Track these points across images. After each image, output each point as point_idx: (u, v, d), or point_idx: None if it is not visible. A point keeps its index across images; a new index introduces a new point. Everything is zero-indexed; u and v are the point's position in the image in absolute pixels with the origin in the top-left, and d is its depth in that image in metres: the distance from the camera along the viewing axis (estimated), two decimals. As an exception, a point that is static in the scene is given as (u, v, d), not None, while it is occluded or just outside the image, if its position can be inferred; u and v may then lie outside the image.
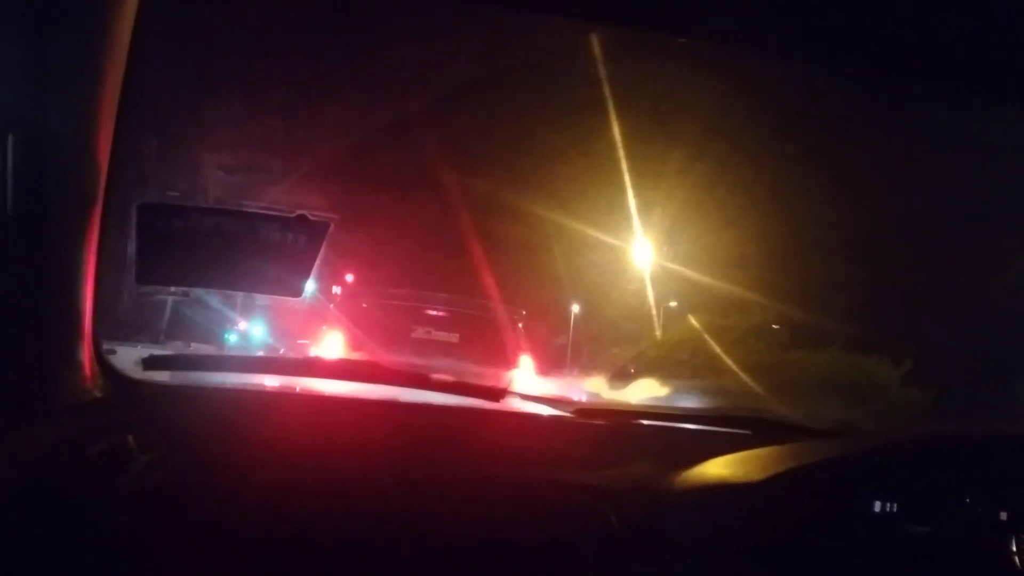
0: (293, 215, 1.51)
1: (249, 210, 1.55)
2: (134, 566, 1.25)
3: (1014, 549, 1.22)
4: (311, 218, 1.50)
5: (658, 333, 14.65)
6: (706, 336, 13.66)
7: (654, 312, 14.54)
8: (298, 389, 1.91)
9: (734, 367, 12.45)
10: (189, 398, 1.61)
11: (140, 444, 1.37)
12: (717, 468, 1.36)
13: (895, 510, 1.25)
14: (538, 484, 1.50)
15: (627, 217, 12.20)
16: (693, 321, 14.15)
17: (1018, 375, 13.47)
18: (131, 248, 1.49)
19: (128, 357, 1.59)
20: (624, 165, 10.28)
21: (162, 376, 1.68)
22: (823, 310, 13.16)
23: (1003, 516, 1.24)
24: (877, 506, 1.25)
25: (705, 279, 13.32)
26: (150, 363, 1.56)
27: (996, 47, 1.16)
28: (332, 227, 1.51)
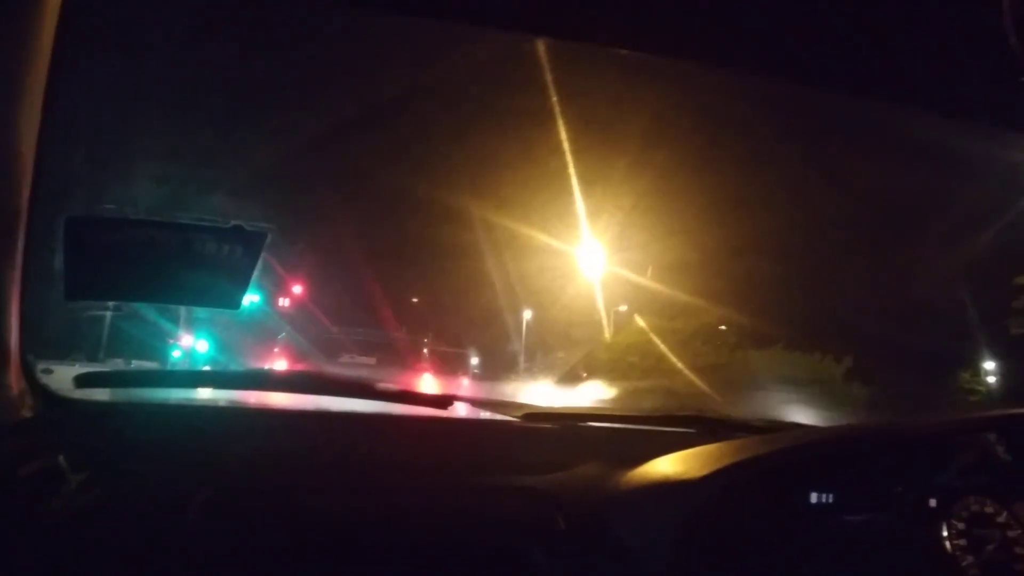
0: (228, 226, 1.48)
1: (183, 221, 1.50)
2: None
3: (944, 534, 1.27)
4: (247, 228, 1.47)
5: (608, 337, 14.80)
6: (655, 339, 13.86)
7: (604, 316, 14.70)
8: (242, 402, 1.87)
9: (682, 368, 12.66)
10: (125, 415, 1.56)
11: (72, 463, 1.32)
12: (661, 467, 1.38)
13: (831, 501, 1.28)
14: (486, 489, 1.50)
15: (577, 223, 12.34)
16: (642, 324, 14.34)
17: (950, 368, 14.08)
18: (59, 262, 1.44)
19: (65, 376, 1.53)
20: (573, 172, 10.38)
21: (100, 394, 1.63)
22: (766, 311, 13.53)
23: (932, 503, 1.29)
24: (814, 497, 1.29)
25: (653, 284, 13.54)
26: (82, 381, 1.51)
27: (916, 56, 1.22)
28: (269, 238, 1.48)
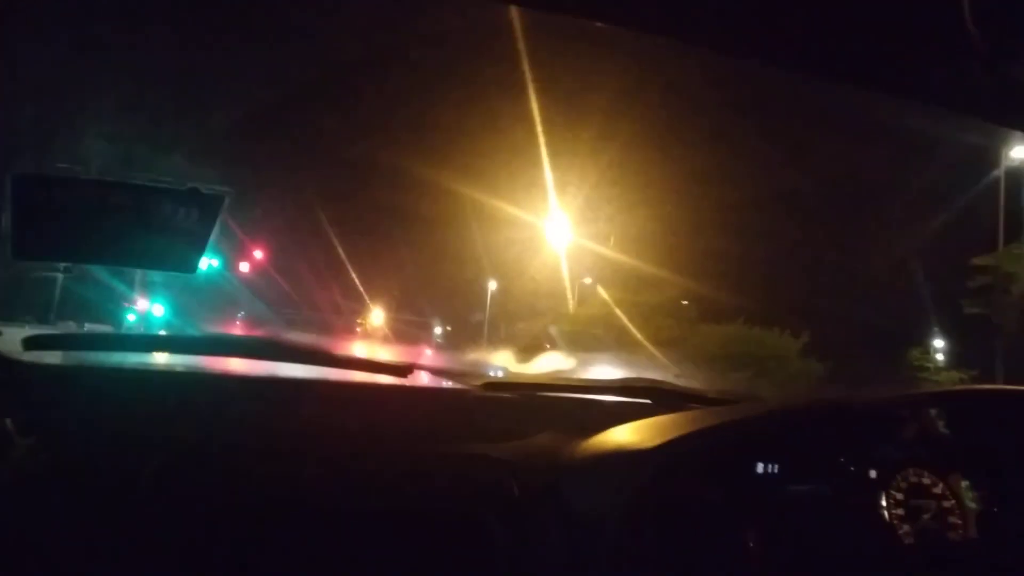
0: (185, 188, 1.45)
1: (137, 182, 1.46)
2: (19, 555, 1.20)
3: (884, 504, 1.33)
4: (204, 191, 1.44)
5: (572, 309, 14.91)
6: (618, 311, 14.01)
7: (568, 288, 14.79)
8: (195, 367, 1.85)
9: (644, 341, 12.83)
10: (75, 379, 1.53)
11: (20, 427, 1.30)
12: (615, 436, 1.41)
13: (776, 471, 1.33)
14: (443, 457, 1.51)
15: (544, 195, 12.33)
16: (605, 297, 14.47)
17: (903, 346, 14.54)
18: (5, 221, 1.39)
19: (13, 339, 1.50)
20: (541, 143, 10.35)
21: (49, 357, 1.60)
22: (728, 287, 13.75)
23: (873, 474, 1.35)
24: (760, 467, 1.33)
25: (618, 256, 13.64)
26: (30, 343, 1.47)
27: (876, 38, 1.24)
28: (227, 201, 1.45)
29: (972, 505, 1.36)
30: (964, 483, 1.37)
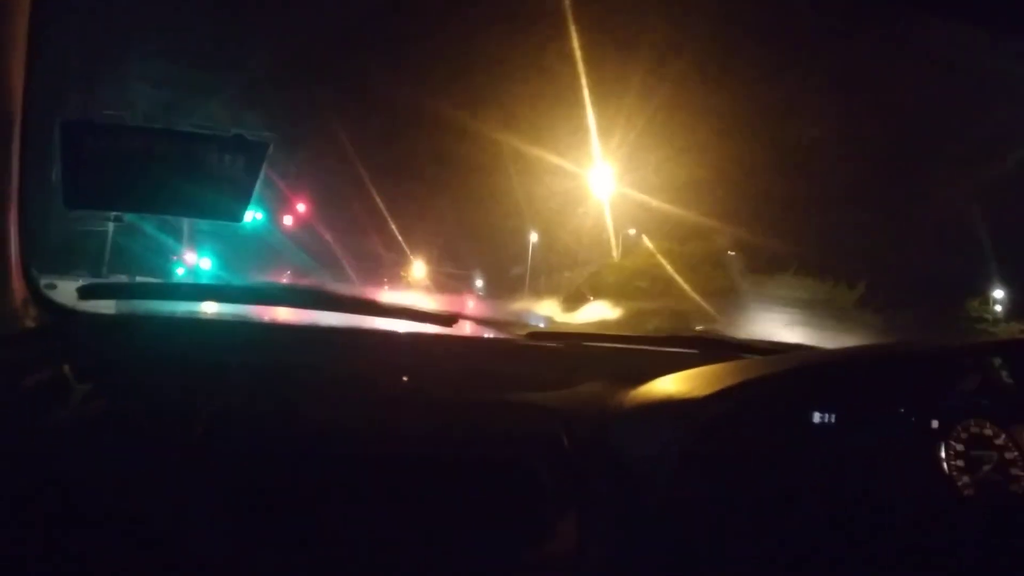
0: (229, 135, 1.46)
1: (183, 129, 1.48)
2: (78, 497, 1.25)
3: (943, 456, 1.30)
4: (249, 138, 1.45)
5: (616, 259, 14.78)
6: (664, 262, 13.84)
7: (612, 239, 14.64)
8: (245, 316, 1.89)
9: (691, 292, 12.68)
10: (129, 327, 1.58)
11: (78, 374, 1.35)
12: (664, 385, 1.41)
13: (833, 421, 1.31)
14: (490, 405, 1.53)
15: (587, 143, 12.12)
16: (650, 247, 14.29)
17: (962, 295, 14.11)
18: (57, 172, 1.43)
19: (68, 290, 1.55)
20: (585, 88, 10.12)
21: (104, 306, 1.65)
22: (779, 235, 13.44)
23: (934, 424, 1.32)
24: (816, 417, 1.31)
25: (664, 206, 13.41)
26: (85, 292, 1.53)
27: None
28: (271, 148, 1.46)
29: None
30: None
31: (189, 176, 1.46)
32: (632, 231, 14.87)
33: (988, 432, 1.33)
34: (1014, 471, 1.31)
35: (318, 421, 1.42)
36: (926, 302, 12.55)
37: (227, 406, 1.39)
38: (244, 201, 1.49)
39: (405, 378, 1.54)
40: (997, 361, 1.36)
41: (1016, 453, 1.31)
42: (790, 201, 12.91)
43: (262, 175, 1.50)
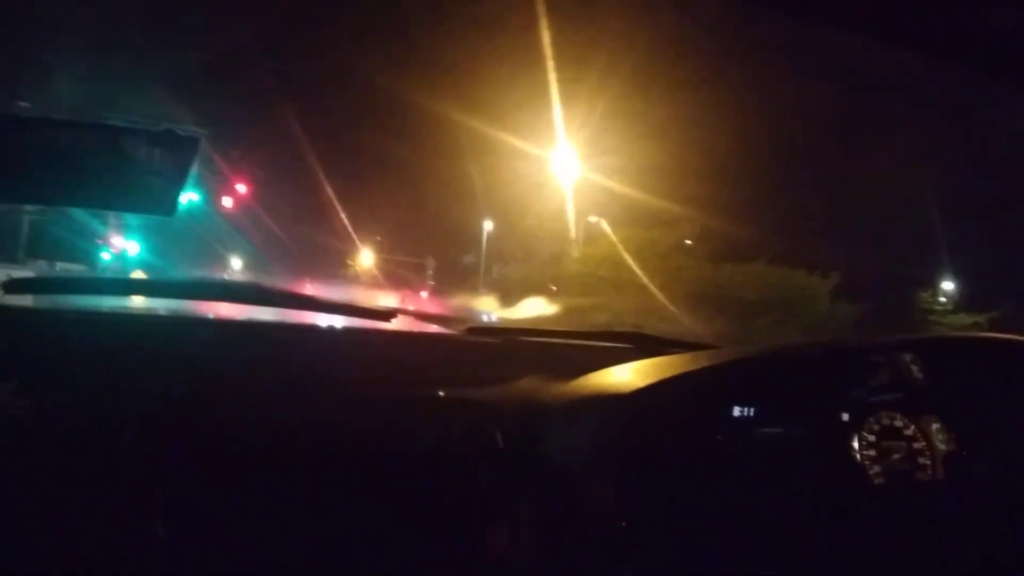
0: (160, 129, 1.54)
1: (110, 123, 1.55)
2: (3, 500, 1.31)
3: (855, 446, 1.46)
4: (180, 133, 1.53)
5: (577, 249, 14.86)
6: (627, 251, 13.95)
7: (573, 227, 14.70)
8: (177, 311, 1.95)
9: (654, 282, 12.84)
10: (55, 322, 1.63)
11: (1, 371, 1.40)
12: (594, 381, 1.54)
13: (752, 414, 1.46)
14: (426, 401, 1.64)
15: (549, 125, 12.15)
16: (612, 238, 14.37)
17: (916, 287, 14.84)
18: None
19: None
20: (549, 69, 10.15)
21: (27, 300, 1.69)
22: (748, 223, 13.69)
23: (845, 417, 1.48)
24: (736, 411, 1.46)
25: (629, 191, 13.53)
26: (10, 287, 1.58)
27: None
28: (203, 143, 1.54)
29: (942, 447, 1.49)
30: (935, 425, 1.51)
31: (117, 170, 1.54)
32: (594, 219, 14.97)
33: (898, 424, 1.49)
34: (921, 460, 1.48)
35: (249, 418, 1.50)
36: (884, 294, 13.17)
37: (157, 403, 1.44)
38: (174, 195, 1.58)
39: (339, 374, 1.64)
40: (907, 356, 1.53)
41: (924, 443, 1.49)
42: (758, 190, 13.20)
43: (198, 159, 1.57)
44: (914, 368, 1.53)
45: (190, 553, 1.39)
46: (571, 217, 14.44)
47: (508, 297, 12.50)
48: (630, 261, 13.44)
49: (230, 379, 1.54)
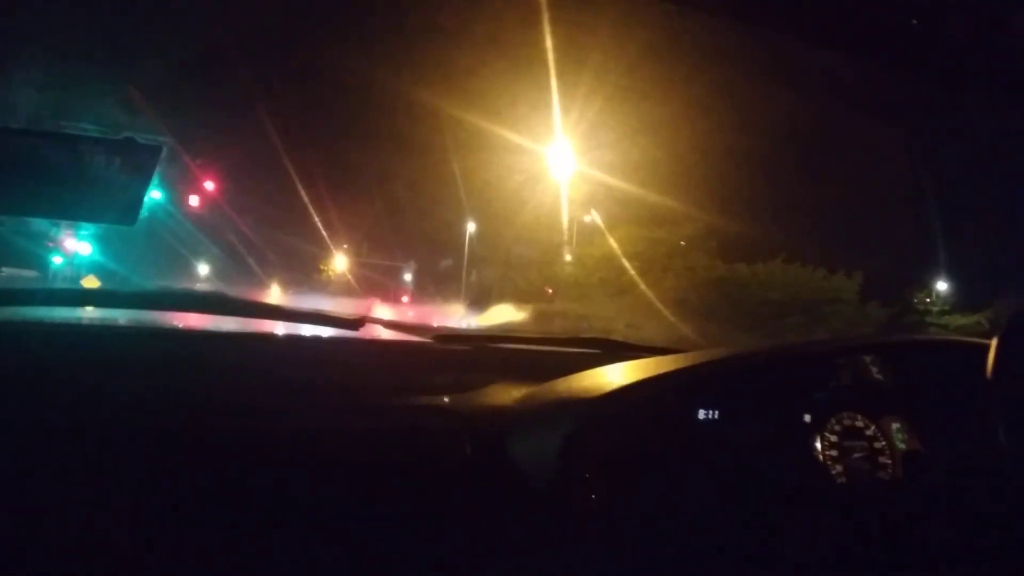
0: (120, 137, 1.68)
1: (69, 132, 1.70)
2: None
3: (817, 446, 1.63)
4: (140, 141, 1.68)
5: (569, 251, 14.85)
6: (625, 251, 13.94)
7: (569, 226, 14.70)
8: (138, 323, 2.06)
9: (652, 287, 12.90)
10: (15, 333, 1.73)
11: None
12: (559, 386, 1.69)
13: (716, 417, 1.62)
14: (394, 410, 1.79)
15: (544, 118, 12.13)
16: (607, 233, 14.36)
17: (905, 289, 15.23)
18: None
19: None
20: (546, 59, 10.15)
21: None
22: (752, 221, 13.75)
23: (808, 418, 1.65)
24: (701, 414, 1.62)
25: (630, 187, 13.55)
26: None
27: None
28: (165, 151, 1.69)
29: (902, 446, 1.66)
30: (895, 425, 1.68)
31: (76, 181, 1.67)
32: (588, 217, 14.97)
33: (859, 424, 1.66)
34: (881, 459, 1.65)
35: (217, 430, 1.62)
36: (876, 296, 13.53)
37: (118, 416, 1.55)
38: (135, 205, 1.72)
39: (307, 383, 1.77)
40: (868, 358, 1.69)
41: (884, 443, 1.66)
42: (771, 185, 13.32)
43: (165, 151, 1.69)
44: (874, 369, 1.70)
45: (158, 562, 1.53)
46: (565, 216, 14.46)
47: (501, 303, 12.56)
48: (626, 263, 13.48)
49: (192, 392, 1.66)
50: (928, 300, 16.46)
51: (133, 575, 1.49)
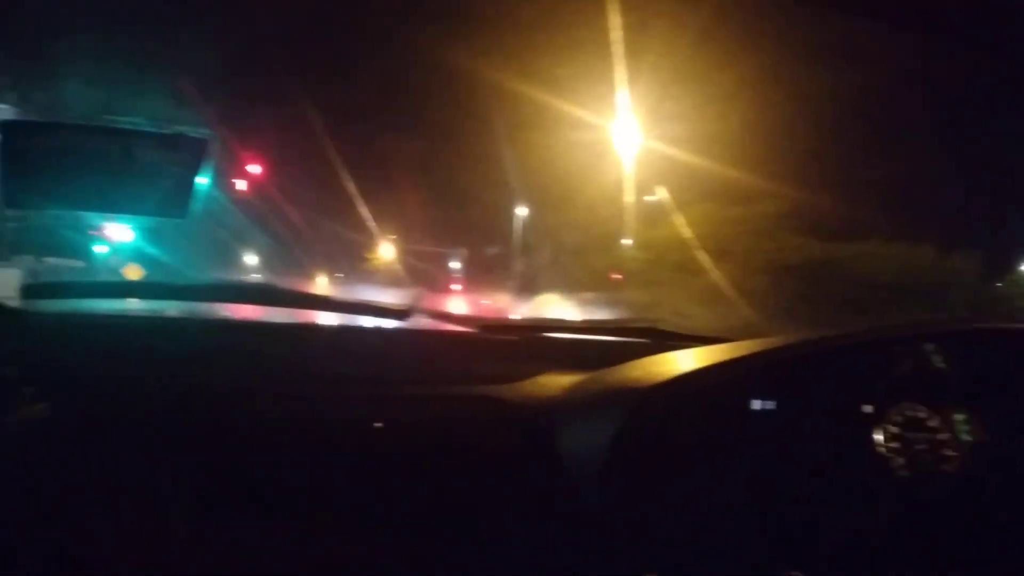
0: (170, 131, 1.80)
1: (121, 127, 1.83)
2: (27, 502, 1.56)
3: (878, 438, 1.66)
4: (190, 135, 1.80)
5: (630, 235, 14.65)
6: (700, 231, 13.66)
7: (631, 207, 14.49)
8: (195, 313, 2.23)
9: (727, 274, 12.62)
10: (73, 326, 1.91)
11: (22, 376, 1.66)
12: (609, 376, 1.76)
13: (773, 407, 1.66)
14: (442, 399, 1.90)
15: (607, 92, 12.00)
16: (677, 212, 14.07)
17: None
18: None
19: (7, 283, 1.84)
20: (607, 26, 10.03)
21: (48, 305, 1.96)
22: (850, 196, 13.37)
23: (868, 409, 1.68)
24: (756, 404, 1.66)
25: (700, 160, 13.27)
26: (29, 291, 1.85)
27: None
28: (215, 145, 1.81)
29: (967, 438, 1.69)
30: (960, 416, 1.71)
31: (126, 174, 1.81)
32: (653, 197, 14.74)
33: (922, 415, 1.69)
34: (946, 451, 1.68)
35: (270, 418, 1.77)
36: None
37: (175, 406, 1.71)
38: (185, 198, 1.85)
39: (355, 373, 1.89)
40: (930, 346, 1.73)
41: (948, 435, 1.68)
42: (864, 156, 12.95)
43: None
44: (936, 358, 1.73)
45: (211, 549, 1.67)
46: (631, 195, 14.28)
47: (558, 291, 12.52)
48: (700, 246, 13.19)
49: (248, 379, 1.81)
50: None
51: (188, 557, 1.64)
